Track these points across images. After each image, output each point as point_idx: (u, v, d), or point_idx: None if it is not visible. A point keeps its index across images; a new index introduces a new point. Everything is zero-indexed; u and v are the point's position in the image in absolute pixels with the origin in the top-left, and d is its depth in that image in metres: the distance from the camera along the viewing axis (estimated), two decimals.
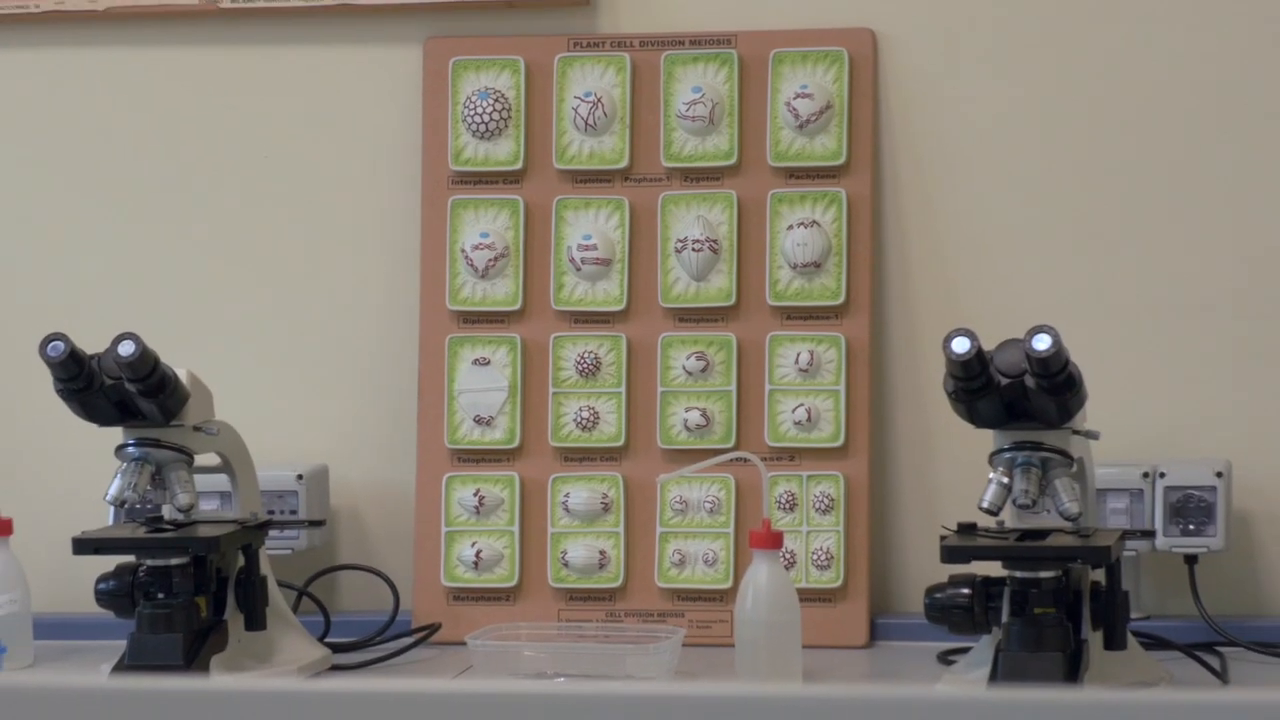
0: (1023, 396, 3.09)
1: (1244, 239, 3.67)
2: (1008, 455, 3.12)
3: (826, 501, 3.58)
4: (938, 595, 3.19)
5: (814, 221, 3.63)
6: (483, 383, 3.70)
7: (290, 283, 3.87)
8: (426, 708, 1.17)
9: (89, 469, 3.41)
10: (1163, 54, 3.68)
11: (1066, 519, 3.10)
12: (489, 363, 3.70)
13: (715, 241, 3.65)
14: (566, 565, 3.65)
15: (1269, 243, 3.66)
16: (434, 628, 3.70)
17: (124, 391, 3.31)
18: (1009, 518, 3.18)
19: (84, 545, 3.31)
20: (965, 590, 3.15)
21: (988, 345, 3.06)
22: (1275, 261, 3.63)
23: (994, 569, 3.14)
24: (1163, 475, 3.42)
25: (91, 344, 3.26)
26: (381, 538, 3.83)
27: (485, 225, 3.72)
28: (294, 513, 3.62)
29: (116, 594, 3.33)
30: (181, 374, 3.34)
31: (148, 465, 3.29)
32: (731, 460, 3.48)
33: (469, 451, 3.69)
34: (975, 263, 3.67)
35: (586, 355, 3.68)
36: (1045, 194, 3.66)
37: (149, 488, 3.30)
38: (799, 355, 3.61)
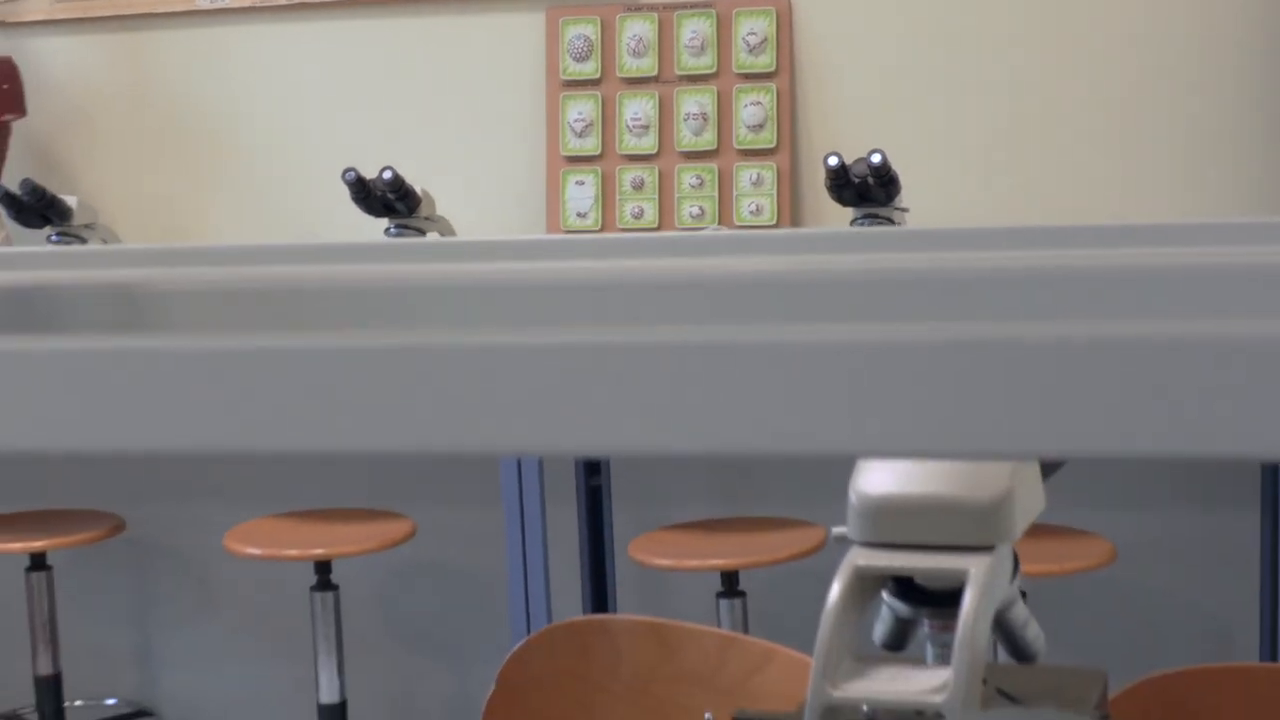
0: (867, 189, 3.35)
1: (1003, 92, 3.84)
2: (860, 221, 3.37)
3: None
4: None
5: (759, 102, 3.85)
6: (580, 195, 3.92)
7: (478, 145, 4.02)
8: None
9: None
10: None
11: None
12: (584, 183, 3.92)
13: (705, 114, 3.87)
14: None
15: (1018, 98, 3.88)
16: None
17: (387, 199, 3.64)
18: None
19: None
20: None
21: (847, 160, 3.45)
22: (1025, 130, 3.89)
23: None
24: None
25: (370, 172, 3.64)
26: None
27: (580, 109, 3.93)
28: None
29: None
30: (418, 189, 3.72)
31: (402, 238, 3.69)
32: (713, 231, 3.84)
33: (574, 231, 3.87)
34: (842, 117, 3.86)
35: (636, 178, 3.90)
36: (885, 80, 3.82)
37: None
38: (752, 175, 3.85)
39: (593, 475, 3.95)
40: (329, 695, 3.73)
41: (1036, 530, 3.39)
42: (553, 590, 3.55)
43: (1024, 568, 3.23)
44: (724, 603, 3.41)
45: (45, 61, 4.22)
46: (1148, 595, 3.76)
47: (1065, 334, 0.49)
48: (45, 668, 4.00)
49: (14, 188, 3.80)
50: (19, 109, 4.06)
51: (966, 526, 0.99)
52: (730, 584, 3.41)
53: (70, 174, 4.26)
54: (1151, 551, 3.72)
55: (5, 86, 4.02)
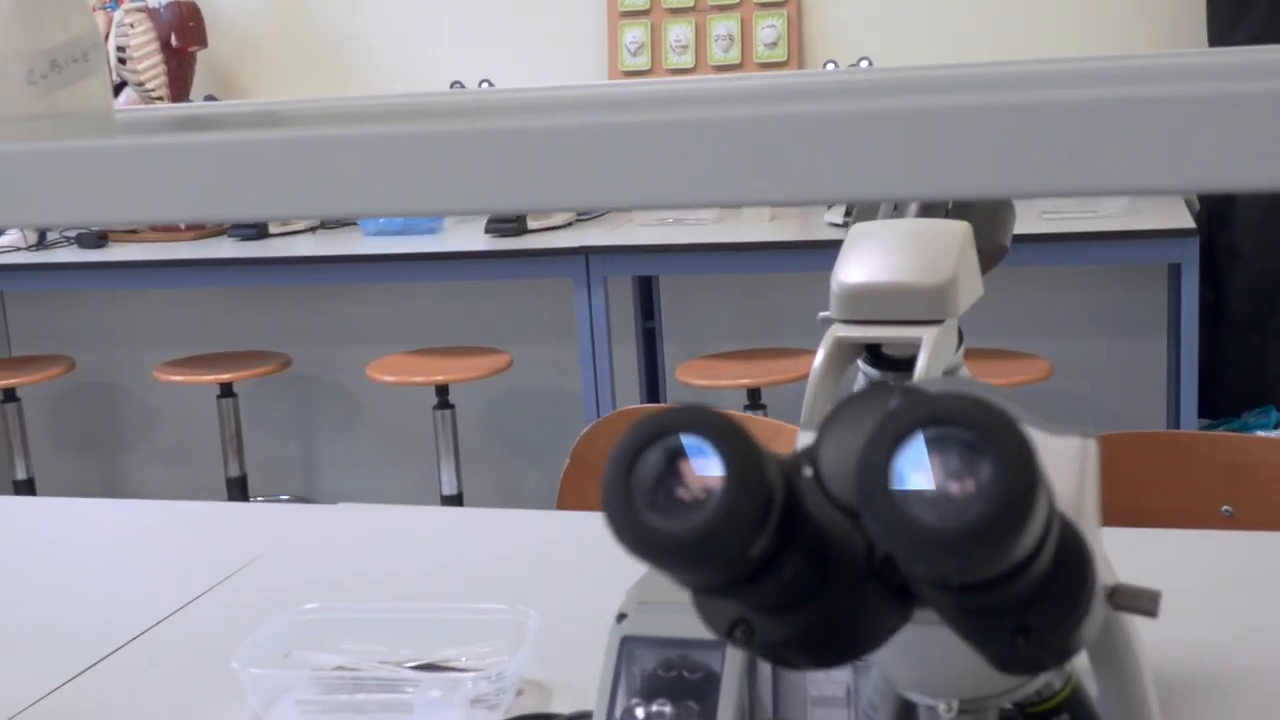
0: None
1: (971, 9, 3.86)
2: None
3: None
4: None
5: (773, 25, 3.76)
6: None
7: (556, 62, 3.94)
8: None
9: None
10: None
11: None
12: None
13: (731, 35, 3.79)
14: None
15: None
16: None
17: None
18: None
19: None
20: None
21: (841, 67, 3.43)
22: (991, 42, 3.87)
23: None
24: None
25: (471, 83, 3.64)
26: None
27: (634, 33, 3.86)
28: None
29: None
30: None
31: None
32: None
33: None
34: (837, 34, 3.76)
35: None
36: (871, 4, 3.91)
37: None
38: None
39: (648, 319, 3.96)
40: (449, 488, 3.79)
41: (989, 353, 3.35)
42: (617, 407, 3.57)
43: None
44: (749, 412, 3.43)
45: (221, 3, 4.20)
46: (1077, 403, 3.76)
47: (1017, 100, 0.49)
48: (234, 471, 4.07)
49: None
50: (202, 41, 4.06)
51: (921, 304, 0.99)
52: (754, 398, 3.44)
53: (242, 92, 4.26)
54: (1081, 369, 3.71)
55: (191, 24, 4.01)
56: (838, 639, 0.39)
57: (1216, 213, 3.49)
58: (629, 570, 0.85)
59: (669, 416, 0.36)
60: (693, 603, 0.39)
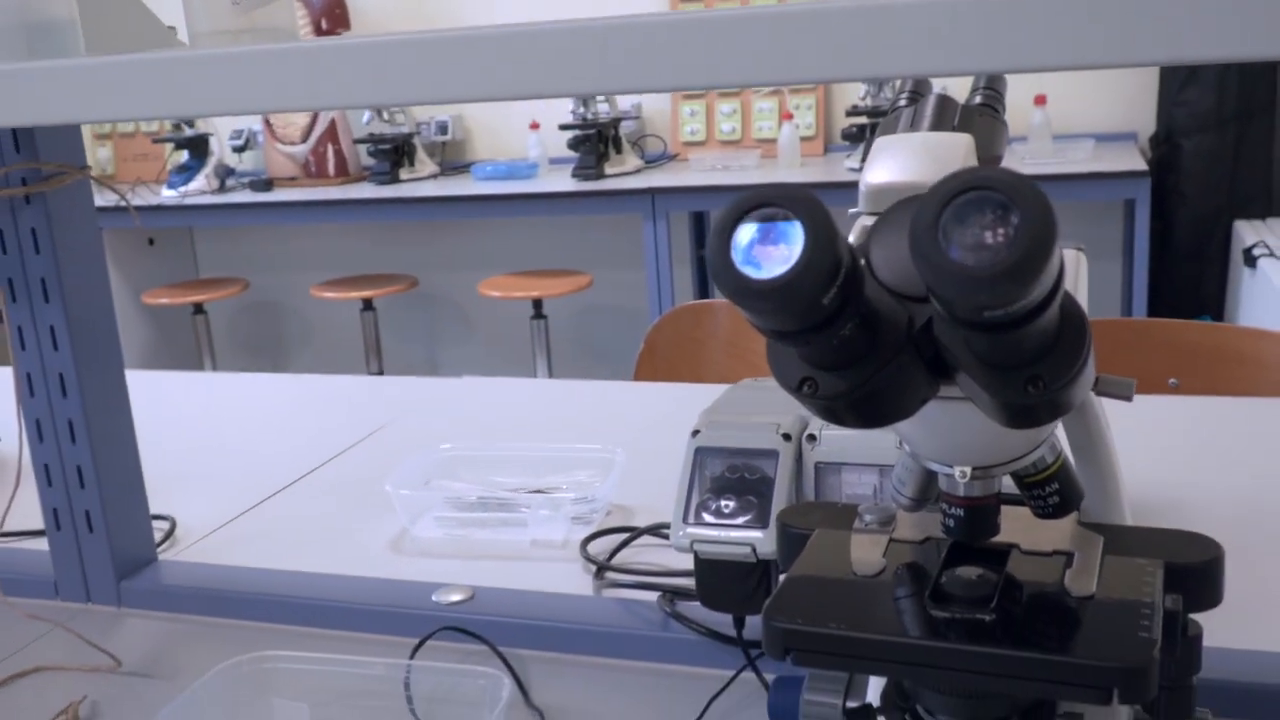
0: None
1: None
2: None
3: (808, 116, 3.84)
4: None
5: None
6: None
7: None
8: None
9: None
10: None
11: None
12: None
13: None
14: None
15: None
16: None
17: None
18: None
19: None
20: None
21: None
22: None
23: None
24: None
25: None
26: None
27: None
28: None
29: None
30: None
31: None
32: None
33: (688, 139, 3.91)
34: None
35: None
36: None
37: None
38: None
39: (701, 247, 3.95)
40: None
41: None
42: None
43: None
44: None
45: None
46: None
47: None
48: (373, 369, 4.13)
49: None
50: (346, 24, 4.06)
51: None
52: None
53: None
54: None
55: (337, 10, 4.01)
56: (882, 399, 0.39)
57: (1166, 159, 3.43)
58: (692, 423, 0.86)
59: (761, 192, 0.36)
60: (768, 359, 0.40)
